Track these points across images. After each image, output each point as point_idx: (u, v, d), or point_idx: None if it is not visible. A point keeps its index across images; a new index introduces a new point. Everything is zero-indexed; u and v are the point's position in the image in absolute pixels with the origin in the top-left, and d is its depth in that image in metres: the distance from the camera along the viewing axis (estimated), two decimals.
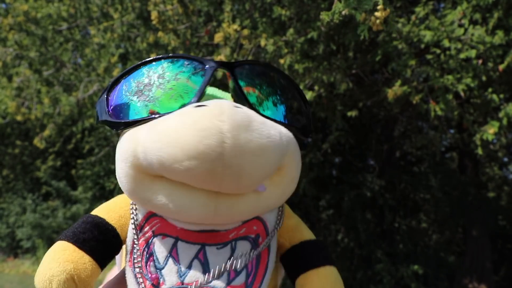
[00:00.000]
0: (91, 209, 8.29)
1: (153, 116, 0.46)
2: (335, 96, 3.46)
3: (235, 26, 2.74)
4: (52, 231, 8.55)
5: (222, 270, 0.46)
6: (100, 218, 0.50)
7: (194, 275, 0.46)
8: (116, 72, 3.81)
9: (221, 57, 2.76)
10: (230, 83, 0.52)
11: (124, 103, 0.48)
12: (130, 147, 0.45)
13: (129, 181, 0.46)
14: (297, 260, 0.53)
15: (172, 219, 0.48)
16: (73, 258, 0.46)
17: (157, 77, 0.48)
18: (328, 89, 3.12)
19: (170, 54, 0.50)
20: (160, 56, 0.50)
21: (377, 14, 1.29)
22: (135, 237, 0.49)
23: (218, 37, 2.78)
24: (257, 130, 0.42)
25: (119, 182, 0.49)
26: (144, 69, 0.49)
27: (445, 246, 6.63)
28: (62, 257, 0.46)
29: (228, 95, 0.55)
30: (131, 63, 3.87)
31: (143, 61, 0.50)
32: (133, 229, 0.49)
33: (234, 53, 2.92)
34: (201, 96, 0.47)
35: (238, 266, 0.47)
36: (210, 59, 0.49)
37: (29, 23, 4.24)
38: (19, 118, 4.36)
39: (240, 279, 0.47)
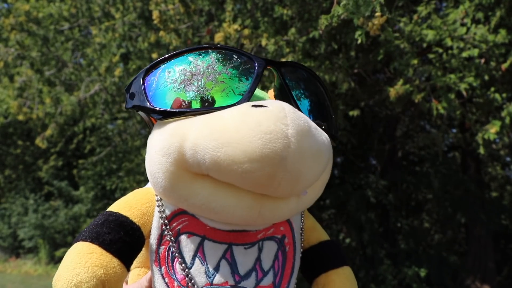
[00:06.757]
0: (93, 209, 8.22)
1: (207, 109, 0.43)
2: (337, 95, 3.45)
3: (236, 26, 2.73)
4: (54, 231, 8.56)
5: (251, 269, 0.46)
6: (123, 216, 0.46)
7: (223, 276, 0.45)
8: (117, 72, 3.81)
9: None
10: (276, 82, 0.50)
11: (168, 90, 0.44)
12: (175, 142, 0.42)
13: (169, 177, 0.43)
14: (316, 260, 0.53)
15: (206, 218, 0.46)
16: (102, 263, 0.41)
17: (206, 67, 0.44)
18: (330, 88, 3.11)
19: (218, 45, 0.47)
20: (208, 45, 0.46)
21: (374, 21, 1.31)
22: (163, 234, 0.47)
23: (218, 37, 2.78)
24: (315, 136, 0.42)
25: (151, 177, 0.45)
26: (190, 57, 0.46)
27: (447, 246, 6.61)
28: (90, 261, 0.41)
29: (266, 94, 0.53)
30: (132, 62, 3.86)
31: (188, 48, 0.46)
32: (159, 226, 0.47)
33: None
34: (252, 94, 0.45)
35: (265, 266, 0.46)
36: (258, 57, 0.47)
37: (30, 23, 4.24)
38: (20, 117, 4.37)
39: (268, 279, 0.47)
